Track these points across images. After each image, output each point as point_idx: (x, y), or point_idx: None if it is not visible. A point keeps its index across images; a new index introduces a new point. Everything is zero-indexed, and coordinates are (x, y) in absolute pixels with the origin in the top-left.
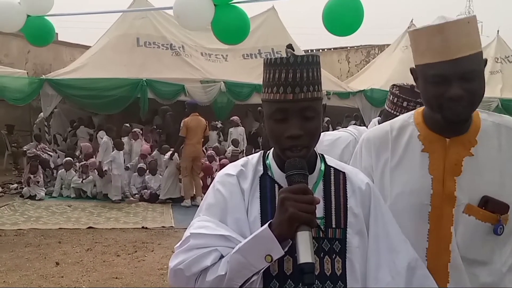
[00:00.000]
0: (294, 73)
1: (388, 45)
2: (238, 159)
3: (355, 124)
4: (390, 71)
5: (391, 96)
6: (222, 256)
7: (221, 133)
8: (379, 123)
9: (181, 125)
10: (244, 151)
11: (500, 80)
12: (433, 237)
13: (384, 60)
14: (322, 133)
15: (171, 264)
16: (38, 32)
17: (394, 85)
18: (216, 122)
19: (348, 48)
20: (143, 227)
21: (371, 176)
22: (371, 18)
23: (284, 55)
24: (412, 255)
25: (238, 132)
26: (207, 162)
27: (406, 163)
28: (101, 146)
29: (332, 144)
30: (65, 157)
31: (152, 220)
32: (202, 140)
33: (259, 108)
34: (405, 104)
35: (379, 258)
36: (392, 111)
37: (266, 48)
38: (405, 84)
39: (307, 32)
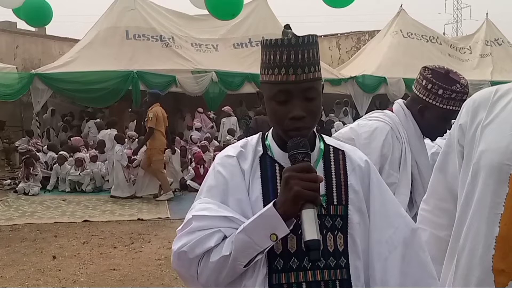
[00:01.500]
0: (295, 54)
1: (378, 31)
2: None
3: (345, 109)
4: (381, 57)
5: (424, 80)
6: (225, 237)
7: (214, 123)
8: (404, 106)
9: (150, 115)
10: (237, 140)
11: (490, 63)
12: (511, 202)
13: (374, 46)
14: (355, 124)
15: (174, 247)
16: (36, 12)
17: (426, 67)
18: (209, 113)
19: (339, 35)
20: (139, 219)
21: (464, 134)
22: (361, 4)
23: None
24: (407, 230)
25: (231, 122)
26: (200, 152)
27: (499, 121)
28: (108, 140)
29: (371, 136)
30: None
31: (147, 211)
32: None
33: (258, 90)
34: (440, 92)
35: (380, 234)
36: (425, 98)
37: (257, 37)
38: (438, 66)
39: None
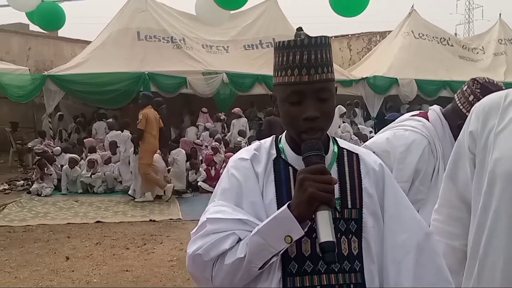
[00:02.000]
0: (308, 54)
1: (389, 31)
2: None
3: (354, 110)
4: (392, 57)
5: (471, 95)
6: (240, 240)
7: (225, 124)
8: (442, 117)
9: (140, 117)
10: (247, 142)
11: (504, 62)
12: None
13: (386, 47)
14: (390, 134)
15: (189, 250)
16: (49, 16)
17: (475, 80)
18: (220, 114)
19: (350, 35)
20: (150, 220)
21: (475, 141)
22: (372, 4)
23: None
24: (421, 234)
25: (240, 123)
26: (210, 154)
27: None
28: (128, 141)
29: (407, 150)
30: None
31: (159, 212)
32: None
33: (271, 93)
34: None
35: (394, 238)
36: (466, 112)
37: (267, 38)
38: (488, 80)
39: (308, 21)
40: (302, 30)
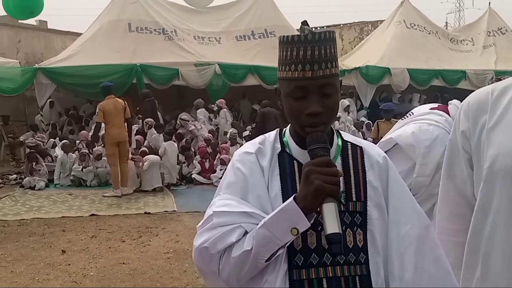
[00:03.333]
0: (312, 50)
1: (381, 21)
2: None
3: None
4: (384, 47)
5: None
6: (246, 233)
7: (217, 115)
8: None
9: (96, 110)
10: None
11: (493, 53)
12: None
13: (378, 37)
14: (415, 128)
15: (195, 243)
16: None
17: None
18: (212, 105)
19: (341, 25)
20: (145, 213)
21: (468, 140)
22: None
23: (277, 35)
24: (422, 226)
25: (224, 115)
26: (204, 146)
27: (505, 123)
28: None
29: (432, 145)
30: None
31: (154, 205)
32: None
33: (276, 86)
34: None
35: (397, 230)
36: None
37: (259, 29)
38: None
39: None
40: (307, 24)
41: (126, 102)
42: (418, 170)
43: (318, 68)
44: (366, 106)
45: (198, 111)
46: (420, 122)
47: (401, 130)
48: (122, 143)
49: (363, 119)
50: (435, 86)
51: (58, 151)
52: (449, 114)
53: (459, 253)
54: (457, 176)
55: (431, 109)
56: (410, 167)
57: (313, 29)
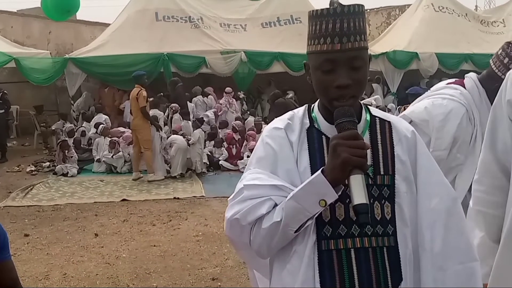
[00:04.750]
0: (341, 23)
1: (409, 5)
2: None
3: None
4: (411, 32)
5: (506, 58)
6: (276, 205)
7: (245, 103)
8: (478, 83)
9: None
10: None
11: None
12: None
13: (405, 21)
14: (428, 103)
15: (227, 215)
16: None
17: (509, 43)
18: (239, 93)
19: (368, 10)
20: (175, 198)
21: None
22: None
23: (303, 22)
24: (449, 199)
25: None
26: (231, 132)
27: None
28: None
29: (446, 118)
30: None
31: (182, 190)
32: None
33: (304, 61)
34: None
35: (427, 203)
36: (501, 75)
37: (285, 15)
38: None
39: None
40: None
41: (140, 92)
42: (434, 144)
43: (347, 41)
44: (393, 92)
45: (194, 99)
46: (433, 97)
47: (414, 107)
48: (137, 130)
49: (391, 104)
50: (465, 71)
51: (92, 133)
52: (465, 87)
53: (496, 226)
54: (499, 147)
55: (447, 84)
56: (426, 142)
57: None
